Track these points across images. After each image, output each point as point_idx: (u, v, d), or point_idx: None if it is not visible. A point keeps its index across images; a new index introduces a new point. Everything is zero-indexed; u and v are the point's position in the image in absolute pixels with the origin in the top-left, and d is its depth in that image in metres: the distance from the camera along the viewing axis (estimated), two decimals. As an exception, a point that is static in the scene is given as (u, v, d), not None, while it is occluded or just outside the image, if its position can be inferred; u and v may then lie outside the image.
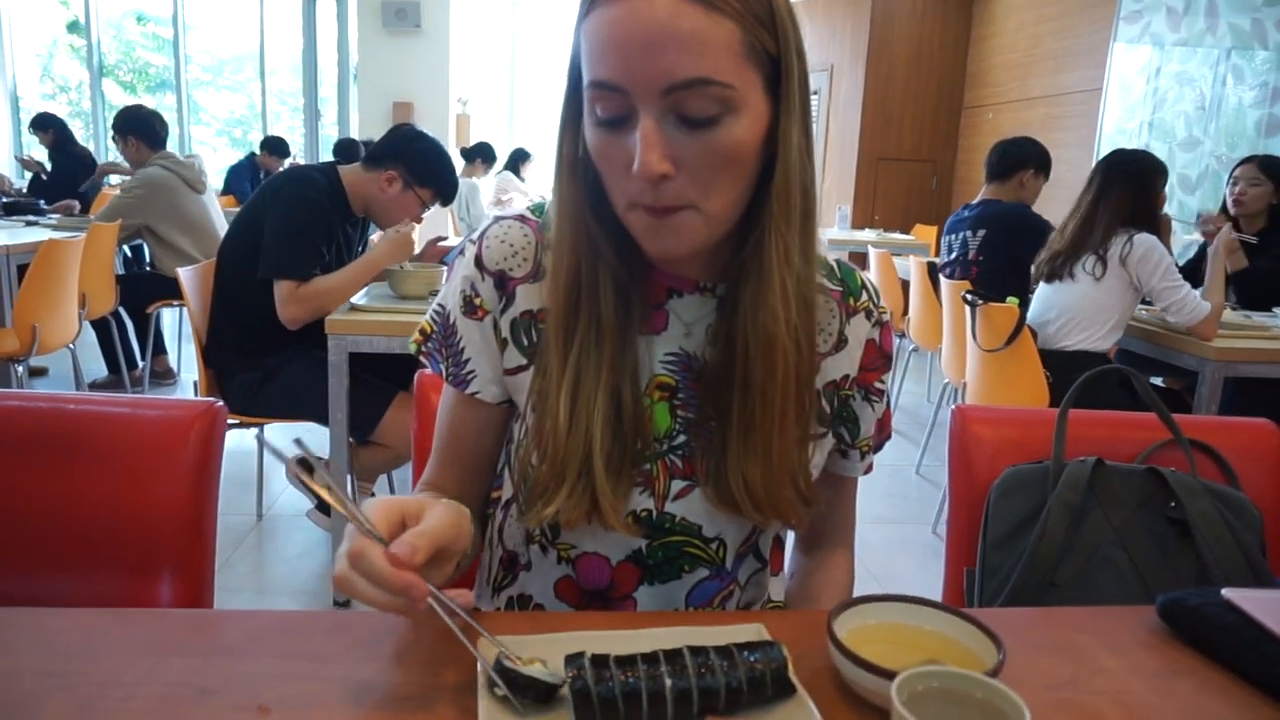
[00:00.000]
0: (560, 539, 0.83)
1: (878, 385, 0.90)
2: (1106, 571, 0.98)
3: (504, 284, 0.82)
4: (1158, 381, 3.16)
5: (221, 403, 1.02)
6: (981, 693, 0.55)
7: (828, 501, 0.94)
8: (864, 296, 0.88)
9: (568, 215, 0.76)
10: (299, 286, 2.25)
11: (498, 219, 0.84)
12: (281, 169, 6.28)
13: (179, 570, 0.97)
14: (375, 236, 2.50)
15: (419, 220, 2.47)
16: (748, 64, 0.67)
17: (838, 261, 0.89)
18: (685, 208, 0.69)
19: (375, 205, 2.41)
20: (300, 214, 2.27)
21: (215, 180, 7.11)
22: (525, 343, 0.82)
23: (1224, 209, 3.21)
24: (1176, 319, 2.45)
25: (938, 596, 1.17)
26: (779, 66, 0.70)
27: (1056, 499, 1.00)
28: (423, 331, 0.88)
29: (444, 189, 2.45)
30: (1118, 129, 5.49)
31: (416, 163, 2.38)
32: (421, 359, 0.87)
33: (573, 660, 0.60)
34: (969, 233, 3.24)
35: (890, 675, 0.57)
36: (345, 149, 6.29)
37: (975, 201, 3.31)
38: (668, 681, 0.59)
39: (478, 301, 0.82)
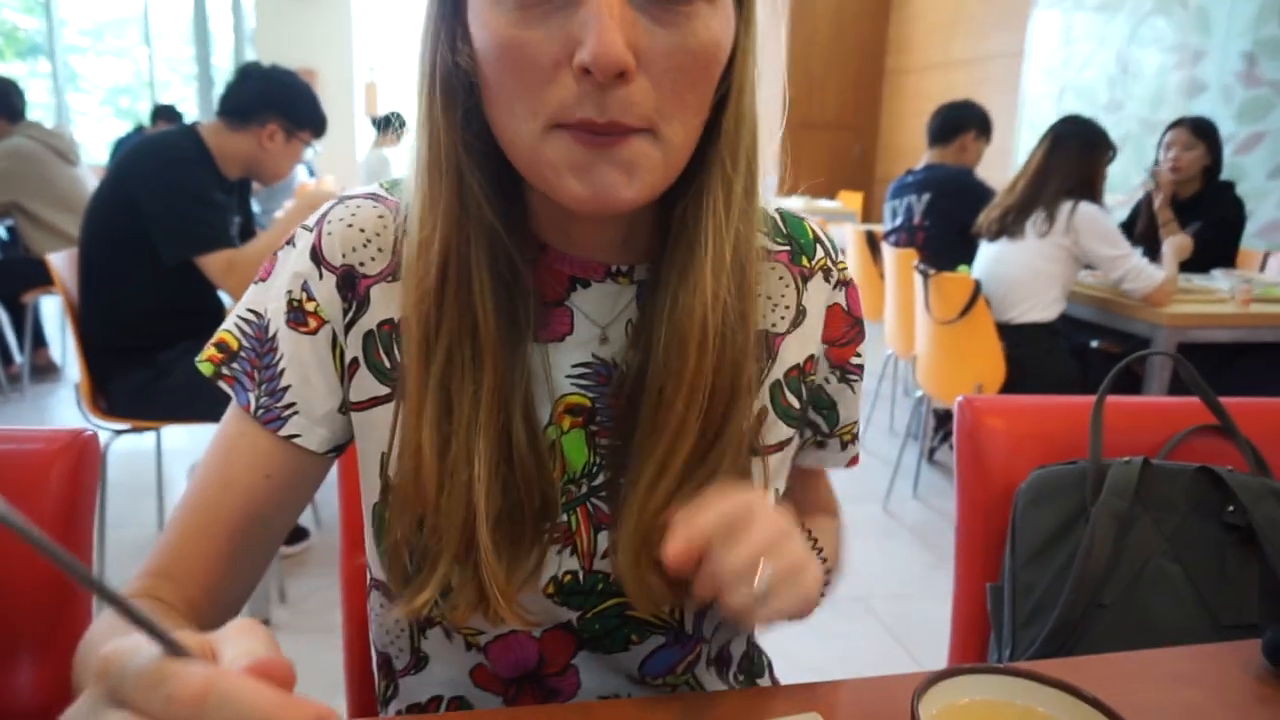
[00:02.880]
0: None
1: (854, 361, 0.72)
2: (1159, 587, 0.85)
3: (352, 283, 0.60)
4: (1094, 344, 3.14)
5: (92, 431, 0.81)
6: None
7: (797, 496, 0.78)
8: (819, 253, 0.70)
9: (439, 155, 0.54)
10: (234, 255, 2.02)
11: (342, 198, 0.63)
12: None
13: (42, 652, 0.75)
14: (288, 204, 2.30)
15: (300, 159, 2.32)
16: None
17: (779, 211, 0.70)
18: (639, 132, 0.50)
19: (259, 164, 2.20)
20: (188, 180, 2.02)
21: (100, 153, 6.58)
22: (386, 364, 0.61)
23: (1155, 175, 3.19)
24: (1133, 286, 2.41)
25: (918, 590, 1.06)
26: None
27: (1101, 507, 0.87)
28: (221, 346, 0.62)
29: (321, 124, 2.30)
30: (1040, 93, 5.50)
31: (291, 108, 2.19)
32: (221, 385, 0.62)
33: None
34: (914, 197, 3.16)
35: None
36: (165, 115, 5.82)
37: (919, 167, 3.24)
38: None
39: (311, 307, 0.60)
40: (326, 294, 0.61)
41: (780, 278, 0.67)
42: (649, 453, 0.57)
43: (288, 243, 0.63)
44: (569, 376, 0.62)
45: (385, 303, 0.61)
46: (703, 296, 0.55)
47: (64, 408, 3.65)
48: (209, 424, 2.12)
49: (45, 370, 3.96)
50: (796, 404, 0.68)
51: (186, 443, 3.00)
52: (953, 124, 3.20)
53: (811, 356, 0.69)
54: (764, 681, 0.80)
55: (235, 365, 0.62)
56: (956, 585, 1.09)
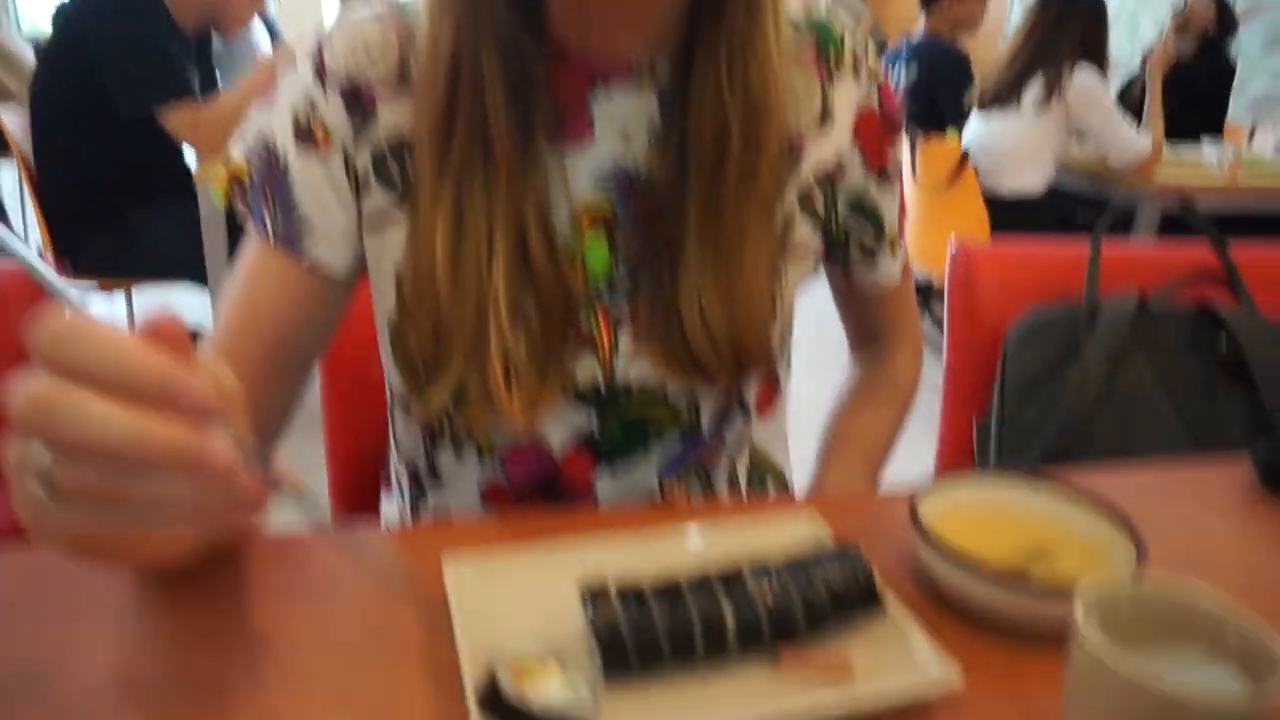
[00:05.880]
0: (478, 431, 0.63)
1: (891, 163, 0.69)
2: (1148, 422, 0.86)
3: (358, 100, 0.59)
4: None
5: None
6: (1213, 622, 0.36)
7: (863, 319, 0.80)
8: (848, 47, 0.65)
9: None
10: (199, 108, 1.90)
11: (343, 20, 0.62)
12: None
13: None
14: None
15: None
16: None
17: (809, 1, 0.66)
18: None
19: (221, 9, 2.06)
20: (143, 29, 1.89)
21: (47, 26, 6.17)
22: (396, 180, 0.59)
23: (1163, 41, 3.10)
24: (1118, 161, 2.37)
25: (919, 451, 1.07)
26: None
27: (1096, 343, 0.87)
28: (235, 176, 0.62)
29: None
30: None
31: None
32: (239, 213, 0.62)
33: (596, 599, 0.42)
34: (903, 66, 3.04)
35: (1022, 586, 0.42)
36: None
37: (916, 36, 3.10)
38: (727, 613, 0.42)
39: (318, 127, 0.59)
40: (334, 113, 0.59)
41: (805, 76, 0.63)
42: (708, 235, 0.58)
43: (288, 66, 0.61)
44: (590, 180, 0.60)
45: (394, 118, 0.59)
46: (768, 71, 0.55)
47: (28, 280, 3.55)
48: (183, 282, 2.08)
49: (5, 242, 3.83)
50: (820, 210, 0.67)
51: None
52: None
53: (841, 162, 0.66)
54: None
55: (247, 194, 0.61)
56: (942, 423, 1.09)
